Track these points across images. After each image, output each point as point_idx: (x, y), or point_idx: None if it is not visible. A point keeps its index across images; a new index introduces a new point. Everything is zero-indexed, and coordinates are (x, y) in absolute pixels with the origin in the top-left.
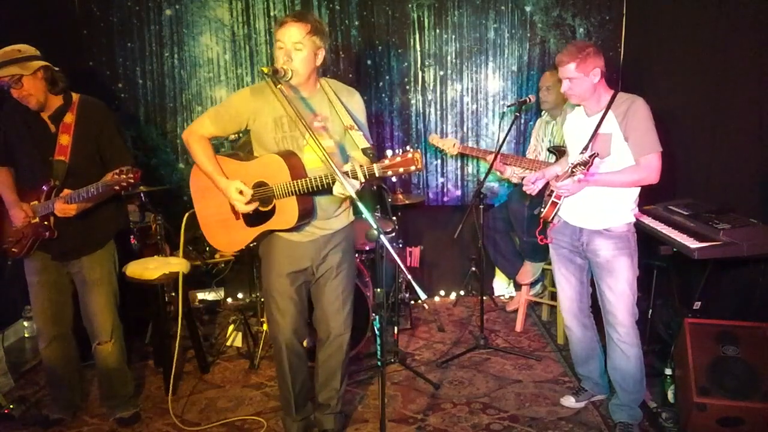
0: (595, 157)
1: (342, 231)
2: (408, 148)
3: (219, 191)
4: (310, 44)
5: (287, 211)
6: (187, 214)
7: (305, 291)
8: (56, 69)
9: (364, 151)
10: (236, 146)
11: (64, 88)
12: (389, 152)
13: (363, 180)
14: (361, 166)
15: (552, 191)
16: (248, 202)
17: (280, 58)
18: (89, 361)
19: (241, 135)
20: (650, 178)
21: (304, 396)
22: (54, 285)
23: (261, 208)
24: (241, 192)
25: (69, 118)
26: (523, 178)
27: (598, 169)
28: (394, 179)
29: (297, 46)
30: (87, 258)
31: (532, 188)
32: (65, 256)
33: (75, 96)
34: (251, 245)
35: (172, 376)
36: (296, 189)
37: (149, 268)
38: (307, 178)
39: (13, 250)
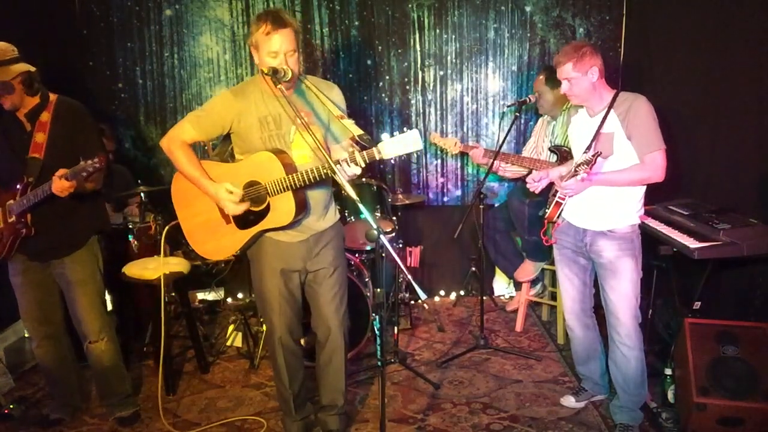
0: (598, 155)
1: (331, 229)
2: (405, 128)
3: (204, 197)
4: (297, 44)
5: (283, 207)
6: (167, 227)
7: (299, 291)
8: (33, 70)
9: (360, 137)
10: (213, 154)
11: (39, 88)
12: (385, 135)
13: (363, 165)
14: (360, 151)
15: (556, 191)
16: (239, 202)
17: (274, 64)
18: (86, 362)
19: (216, 143)
20: (656, 176)
21: (303, 396)
22: (39, 285)
23: (254, 208)
24: (231, 192)
25: (45, 116)
26: (520, 178)
27: (602, 168)
28: (396, 177)
29: (290, 53)
30: (68, 259)
31: (535, 186)
32: (41, 256)
33: (53, 96)
34: (242, 250)
35: (160, 374)
36: (292, 183)
37: (149, 268)
38: (304, 171)
39: None
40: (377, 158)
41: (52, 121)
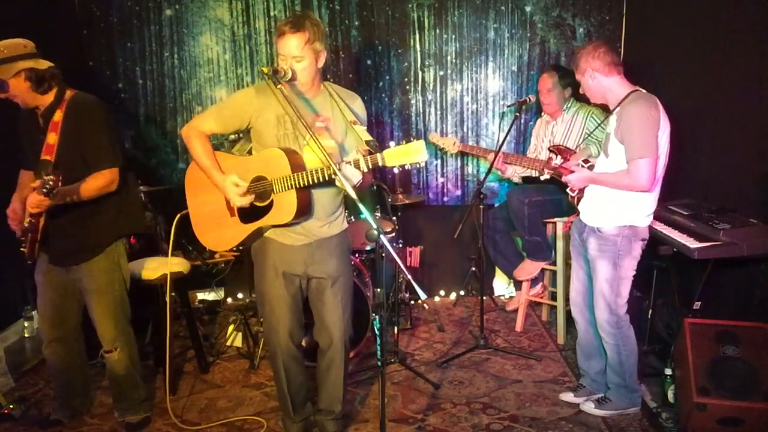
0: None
1: (336, 237)
2: (412, 138)
3: (214, 188)
4: (310, 53)
5: (285, 205)
6: (178, 215)
7: (300, 294)
8: (39, 68)
9: (367, 143)
10: (235, 148)
11: (53, 85)
12: (392, 143)
13: (366, 170)
14: (364, 156)
15: None
16: (244, 194)
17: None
18: (93, 360)
19: (241, 135)
20: (637, 185)
21: (303, 397)
22: (57, 287)
23: (258, 204)
24: (237, 185)
25: (57, 116)
26: (523, 178)
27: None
28: (396, 178)
29: (297, 58)
30: (85, 266)
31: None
32: (60, 261)
33: (68, 93)
34: (242, 245)
35: (167, 376)
36: (296, 182)
37: (149, 268)
38: (308, 171)
39: (22, 249)
40: (380, 164)
41: (63, 120)
